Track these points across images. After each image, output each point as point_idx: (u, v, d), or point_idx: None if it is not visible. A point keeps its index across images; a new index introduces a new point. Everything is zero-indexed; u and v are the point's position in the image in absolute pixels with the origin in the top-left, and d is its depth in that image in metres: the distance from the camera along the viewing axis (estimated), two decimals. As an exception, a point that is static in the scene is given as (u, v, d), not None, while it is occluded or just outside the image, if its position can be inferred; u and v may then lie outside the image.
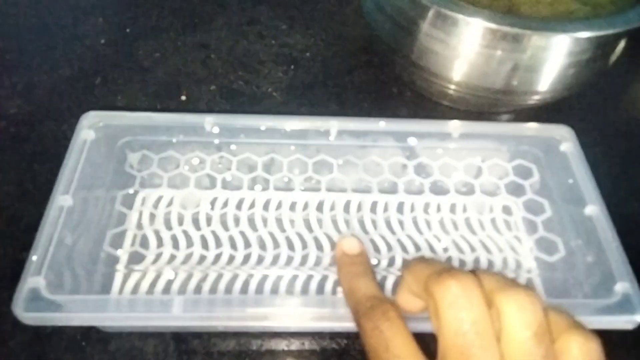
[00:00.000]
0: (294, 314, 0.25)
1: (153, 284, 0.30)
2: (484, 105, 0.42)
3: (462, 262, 0.31)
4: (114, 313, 0.24)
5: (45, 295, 0.24)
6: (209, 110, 0.43)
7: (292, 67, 0.47)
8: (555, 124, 0.33)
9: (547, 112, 0.43)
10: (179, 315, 0.24)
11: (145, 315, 0.24)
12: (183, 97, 0.44)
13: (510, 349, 0.19)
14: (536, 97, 0.40)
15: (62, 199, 0.27)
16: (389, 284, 0.30)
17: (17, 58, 0.45)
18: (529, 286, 0.20)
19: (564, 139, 0.32)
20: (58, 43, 0.47)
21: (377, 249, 0.31)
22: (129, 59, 0.46)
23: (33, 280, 0.24)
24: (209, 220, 0.32)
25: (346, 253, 0.26)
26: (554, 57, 0.36)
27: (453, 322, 0.19)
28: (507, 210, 0.34)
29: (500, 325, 0.19)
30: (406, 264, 0.23)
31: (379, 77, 0.46)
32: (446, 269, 0.20)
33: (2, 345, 0.29)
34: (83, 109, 0.42)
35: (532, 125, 0.33)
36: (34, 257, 0.24)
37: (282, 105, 0.44)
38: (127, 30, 0.49)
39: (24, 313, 0.23)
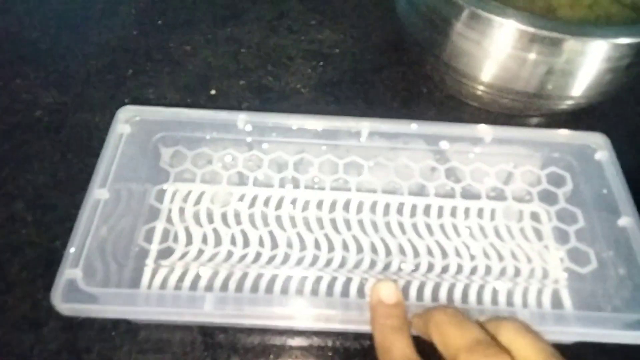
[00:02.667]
0: (318, 315, 0.25)
1: (181, 279, 0.30)
2: (515, 108, 0.42)
3: (488, 269, 0.31)
4: (148, 307, 0.24)
5: (82, 287, 0.24)
6: (238, 104, 0.43)
7: (321, 63, 0.47)
8: (590, 131, 0.33)
9: (580, 116, 0.42)
10: (210, 312, 0.24)
11: (178, 310, 0.24)
12: (213, 92, 0.44)
13: None
14: (569, 102, 0.39)
15: (98, 193, 0.27)
16: (413, 289, 0.30)
17: (51, 49, 0.46)
18: None
19: (599, 147, 0.32)
20: (91, 34, 0.47)
21: (403, 252, 0.31)
22: (160, 51, 0.47)
23: (70, 272, 0.25)
24: (238, 218, 0.32)
25: (383, 301, 0.24)
26: (591, 62, 0.35)
27: None
28: (538, 218, 0.33)
29: None
30: (435, 315, 0.23)
31: (408, 75, 0.46)
32: (480, 343, 0.20)
33: (36, 331, 0.30)
34: (115, 101, 0.43)
35: (566, 132, 0.32)
36: (72, 250, 0.25)
37: (310, 102, 0.44)
38: (159, 22, 0.49)
39: (62, 304, 0.24)
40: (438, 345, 0.22)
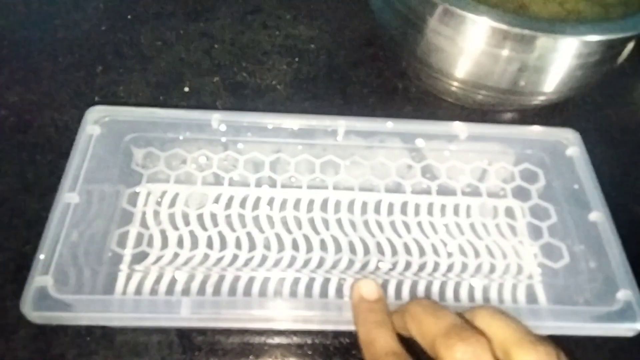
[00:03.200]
0: (297, 317, 0.25)
1: (157, 283, 0.30)
2: (488, 104, 0.42)
3: (465, 266, 0.32)
4: (122, 313, 0.24)
5: (53, 295, 0.24)
6: (213, 102, 0.42)
7: (297, 59, 0.46)
8: (562, 127, 0.33)
9: (552, 111, 0.43)
10: (186, 317, 0.24)
11: (153, 316, 0.24)
12: (186, 89, 0.43)
13: None
14: (542, 98, 0.40)
15: (68, 197, 0.27)
16: (391, 288, 0.30)
17: (16, 45, 0.44)
18: (546, 338, 0.20)
19: (570, 143, 0.32)
20: (58, 29, 0.46)
21: (381, 251, 0.32)
22: (130, 47, 0.45)
23: (41, 279, 0.24)
24: (214, 220, 0.32)
25: (364, 298, 0.24)
26: (561, 58, 0.35)
27: None
28: (512, 214, 0.34)
29: None
30: (410, 307, 0.23)
31: (384, 71, 0.46)
32: (455, 327, 0.20)
33: (7, 339, 0.29)
34: (85, 99, 0.42)
35: (539, 129, 0.33)
36: (42, 256, 0.24)
37: (286, 98, 0.43)
38: (129, 16, 0.48)
39: (33, 312, 0.23)
40: (416, 337, 0.22)
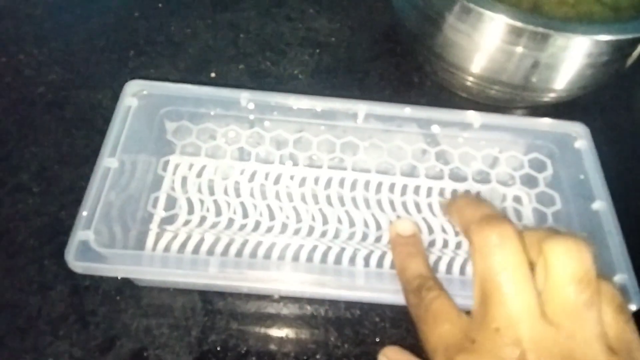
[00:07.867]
0: (313, 280, 0.27)
1: (184, 245, 0.32)
2: (501, 100, 0.44)
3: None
4: (154, 268, 0.26)
5: (94, 248, 0.26)
6: (237, 88, 0.44)
7: (318, 51, 0.48)
8: (571, 121, 0.35)
9: (562, 109, 0.44)
10: (213, 274, 0.26)
11: (183, 272, 0.26)
12: (213, 74, 0.45)
13: (552, 295, 0.20)
14: (552, 95, 0.41)
15: (108, 161, 0.29)
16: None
17: (55, 27, 0.47)
18: (577, 235, 0.21)
19: (579, 136, 0.34)
20: (93, 14, 0.48)
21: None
22: (161, 33, 0.48)
23: (83, 233, 0.26)
24: (239, 191, 0.34)
25: (400, 234, 0.28)
26: (573, 57, 0.37)
27: (487, 270, 0.21)
28: (519, 200, 0.36)
29: (546, 272, 0.20)
30: (456, 200, 0.26)
31: (401, 65, 0.48)
32: (488, 216, 0.22)
33: (44, 295, 0.32)
34: (117, 80, 0.44)
35: (549, 121, 0.34)
36: (84, 213, 0.27)
37: (306, 87, 0.45)
38: (160, 5, 0.50)
39: (75, 262, 0.25)
40: (458, 227, 0.25)
